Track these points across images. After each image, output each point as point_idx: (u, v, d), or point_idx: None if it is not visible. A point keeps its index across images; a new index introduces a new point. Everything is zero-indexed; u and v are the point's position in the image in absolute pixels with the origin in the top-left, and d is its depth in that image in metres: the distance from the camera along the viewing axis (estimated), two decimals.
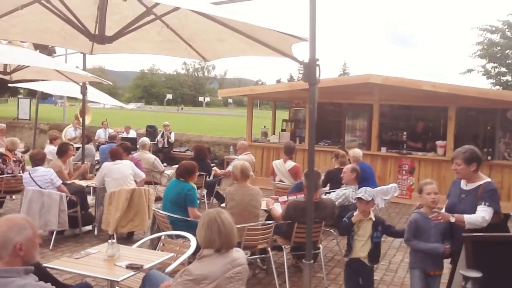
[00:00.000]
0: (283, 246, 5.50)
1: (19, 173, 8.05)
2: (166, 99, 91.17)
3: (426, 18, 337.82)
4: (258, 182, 9.19)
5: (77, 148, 10.41)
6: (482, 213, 3.87)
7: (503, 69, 29.38)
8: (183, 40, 4.72)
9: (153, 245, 5.05)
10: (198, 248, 3.26)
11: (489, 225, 3.85)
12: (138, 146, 9.83)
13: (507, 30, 29.07)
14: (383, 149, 11.05)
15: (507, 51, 28.58)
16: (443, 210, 4.33)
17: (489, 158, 10.11)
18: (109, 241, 3.96)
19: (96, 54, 5.36)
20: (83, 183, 7.65)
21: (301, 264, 4.95)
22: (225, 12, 3.52)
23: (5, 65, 8.19)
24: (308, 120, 4.85)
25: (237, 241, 3.31)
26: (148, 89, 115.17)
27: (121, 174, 6.98)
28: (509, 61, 28.72)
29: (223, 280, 3.03)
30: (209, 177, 9.06)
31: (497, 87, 29.01)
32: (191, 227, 4.88)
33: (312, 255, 4.29)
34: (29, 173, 6.73)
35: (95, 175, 7.80)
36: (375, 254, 4.42)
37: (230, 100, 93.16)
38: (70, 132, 14.25)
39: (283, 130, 13.26)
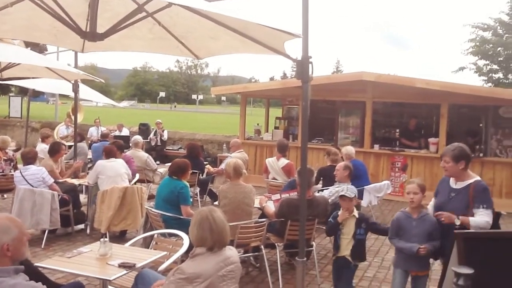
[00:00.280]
0: (276, 244, 5.50)
1: (10, 171, 7.99)
2: (159, 97, 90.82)
3: (418, 17, 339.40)
4: (251, 179, 9.17)
5: (69, 147, 10.35)
6: (485, 218, 3.87)
7: (495, 67, 29.55)
8: (175, 37, 4.69)
9: (146, 243, 5.03)
10: (191, 247, 3.24)
11: None
12: (130, 144, 9.80)
13: (498, 27, 29.25)
14: (376, 147, 11.09)
15: (498, 49, 28.74)
16: (430, 209, 4.34)
17: (481, 155, 10.18)
18: (101, 239, 3.94)
19: (88, 53, 5.32)
20: (75, 181, 7.61)
21: (294, 262, 4.96)
22: (217, 9, 3.50)
23: None
24: (301, 117, 4.84)
25: (230, 239, 3.31)
26: (141, 87, 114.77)
27: (116, 171, 7.00)
28: (501, 59, 28.88)
29: (216, 278, 3.02)
30: (202, 175, 9.04)
31: (489, 84, 29.19)
32: (184, 225, 4.86)
33: (305, 252, 4.29)
34: (21, 172, 6.69)
35: (88, 173, 7.77)
36: (358, 251, 4.43)
37: (223, 98, 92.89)
38: (62, 130, 14.17)
39: (276, 128, 13.26)
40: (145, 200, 6.88)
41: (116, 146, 7.77)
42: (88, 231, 7.17)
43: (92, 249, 4.01)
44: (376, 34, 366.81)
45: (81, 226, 7.31)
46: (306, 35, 3.83)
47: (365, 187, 7.79)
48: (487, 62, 29.51)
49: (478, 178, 4.12)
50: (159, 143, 15.60)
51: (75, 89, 8.38)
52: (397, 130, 12.09)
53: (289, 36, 3.64)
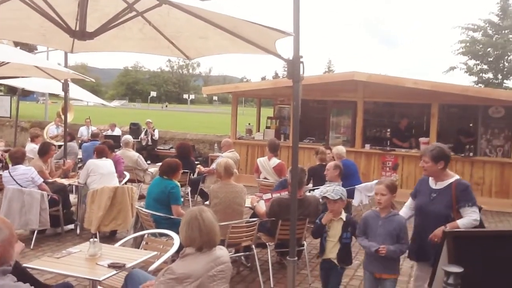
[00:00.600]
0: (267, 243, 5.50)
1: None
2: (150, 97, 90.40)
3: (408, 17, 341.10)
4: (242, 179, 9.18)
5: (59, 146, 10.28)
6: (473, 215, 3.92)
7: (485, 67, 29.82)
8: (165, 37, 4.66)
9: (136, 243, 5.02)
10: (181, 247, 3.23)
11: None
12: (121, 144, 9.76)
13: (488, 28, 29.52)
14: (367, 146, 11.13)
15: (488, 49, 29.01)
16: (405, 209, 4.34)
17: (471, 154, 10.26)
18: (91, 240, 3.91)
19: (77, 53, 5.28)
20: (65, 181, 7.55)
21: (285, 261, 4.96)
22: (207, 7, 3.48)
23: None
24: (292, 117, 4.84)
25: (221, 238, 3.30)
26: (132, 87, 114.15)
27: (108, 170, 7.01)
28: (491, 59, 29.14)
29: (206, 278, 3.01)
30: (193, 175, 9.02)
31: (479, 84, 29.44)
32: (174, 225, 4.84)
33: (296, 252, 4.30)
34: (9, 172, 6.62)
35: (78, 173, 7.71)
36: (343, 254, 4.30)
37: (215, 98, 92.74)
38: (52, 130, 14.05)
39: (267, 128, 13.27)
40: (135, 200, 6.85)
41: (106, 146, 7.74)
42: (78, 231, 7.12)
43: (82, 249, 3.99)
44: (366, 31, 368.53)
45: (71, 226, 7.25)
46: (298, 34, 3.83)
47: (356, 186, 7.82)
48: (477, 62, 29.78)
49: (458, 177, 4.16)
50: (150, 143, 15.56)
51: (65, 88, 8.31)
52: (388, 130, 12.16)
53: (280, 34, 3.61)
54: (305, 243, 5.79)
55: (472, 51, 29.23)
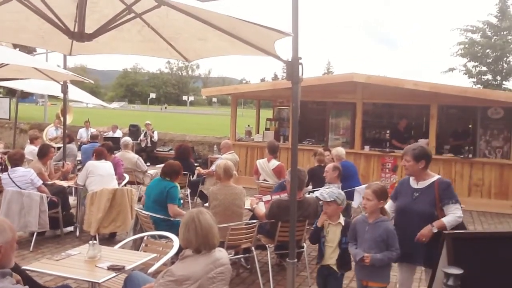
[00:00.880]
0: (267, 245, 5.49)
1: None
2: (150, 98, 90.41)
3: (407, 19, 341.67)
4: (242, 181, 9.18)
5: (58, 148, 10.26)
6: (457, 212, 3.99)
7: (484, 68, 29.82)
8: (164, 39, 4.65)
9: (136, 245, 5.01)
10: (181, 249, 3.23)
11: None
12: (120, 146, 9.75)
13: (487, 29, 29.53)
14: (367, 148, 11.12)
15: (487, 51, 29.00)
16: (388, 209, 4.23)
17: (470, 156, 10.26)
18: (90, 242, 3.91)
19: (76, 55, 5.27)
20: (64, 183, 7.54)
21: (285, 263, 4.95)
22: (206, 8, 3.47)
23: None
24: (291, 119, 4.84)
25: (221, 240, 3.29)
26: (131, 88, 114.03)
27: (107, 171, 7.01)
28: (490, 60, 29.15)
29: (206, 280, 3.01)
30: (192, 177, 9.01)
31: (478, 85, 29.44)
32: (174, 227, 4.84)
33: (295, 254, 4.29)
34: (8, 174, 6.61)
35: (77, 175, 7.70)
36: (343, 260, 4.15)
37: (214, 99, 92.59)
38: (51, 132, 14.04)
39: (267, 129, 13.26)
40: (135, 202, 6.84)
41: (106, 148, 7.74)
42: (77, 233, 7.11)
43: (81, 251, 3.99)
44: (366, 33, 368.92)
45: (70, 228, 7.24)
46: (297, 35, 3.83)
47: (355, 188, 7.80)
48: (476, 63, 29.78)
49: (439, 176, 4.19)
50: (149, 145, 15.55)
51: (64, 90, 8.31)
52: (388, 131, 12.15)
53: (279, 35, 3.59)
54: (304, 245, 5.78)
55: (471, 52, 29.23)
